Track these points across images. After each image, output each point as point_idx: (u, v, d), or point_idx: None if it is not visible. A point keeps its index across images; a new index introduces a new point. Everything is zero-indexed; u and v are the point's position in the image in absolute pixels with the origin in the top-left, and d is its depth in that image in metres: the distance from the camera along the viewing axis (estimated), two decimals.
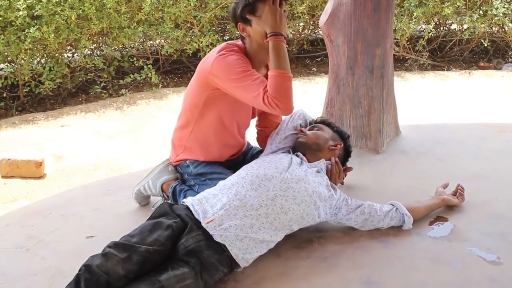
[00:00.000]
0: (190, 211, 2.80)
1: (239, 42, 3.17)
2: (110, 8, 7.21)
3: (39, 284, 2.78)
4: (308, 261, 2.92)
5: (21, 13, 6.52)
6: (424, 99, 7.50)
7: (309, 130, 3.37)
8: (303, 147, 3.27)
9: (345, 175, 3.53)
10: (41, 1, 6.62)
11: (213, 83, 3.05)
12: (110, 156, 5.74)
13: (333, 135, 3.41)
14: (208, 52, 3.43)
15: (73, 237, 3.23)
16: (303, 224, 2.97)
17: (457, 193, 3.47)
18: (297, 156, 3.19)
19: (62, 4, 6.82)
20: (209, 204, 2.82)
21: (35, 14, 6.73)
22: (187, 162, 3.34)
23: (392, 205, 3.18)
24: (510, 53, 9.59)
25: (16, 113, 6.99)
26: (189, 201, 2.87)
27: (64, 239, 3.22)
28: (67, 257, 3.00)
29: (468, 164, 4.09)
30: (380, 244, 3.05)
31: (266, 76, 3.20)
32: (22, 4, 6.55)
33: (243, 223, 2.74)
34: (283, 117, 3.49)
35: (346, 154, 3.46)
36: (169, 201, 3.33)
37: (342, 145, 3.40)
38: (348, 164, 3.50)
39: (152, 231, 2.63)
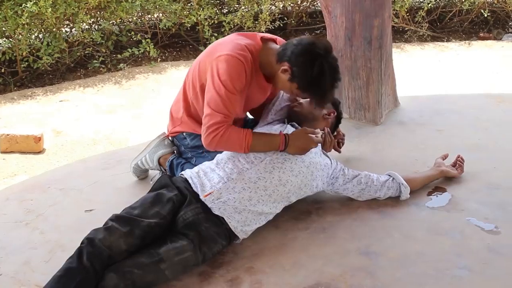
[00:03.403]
0: (189, 183, 2.81)
1: (255, 40, 3.02)
2: None
3: (38, 257, 2.80)
4: (307, 232, 2.93)
5: None
6: (424, 70, 7.47)
7: (303, 99, 3.34)
8: (298, 117, 3.25)
9: (343, 143, 3.53)
10: None
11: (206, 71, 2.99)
12: (109, 130, 5.74)
13: None
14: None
15: (72, 211, 3.25)
16: (301, 195, 2.98)
17: (457, 164, 3.47)
18: (293, 126, 3.17)
19: None
20: (207, 178, 2.83)
21: None
22: (184, 134, 3.32)
23: (389, 175, 3.19)
24: (510, 23, 9.52)
25: (15, 88, 6.96)
26: (187, 173, 2.88)
27: (63, 213, 3.23)
28: (66, 231, 3.02)
29: (467, 135, 4.09)
30: (378, 214, 3.07)
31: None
32: None
33: (241, 196, 2.75)
34: None
35: (337, 121, 3.45)
36: (168, 174, 3.34)
37: (335, 113, 3.39)
38: (347, 135, 3.50)
39: (154, 203, 2.64)
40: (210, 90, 2.90)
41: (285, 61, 2.86)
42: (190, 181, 2.82)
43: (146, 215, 2.58)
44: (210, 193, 2.74)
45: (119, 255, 2.45)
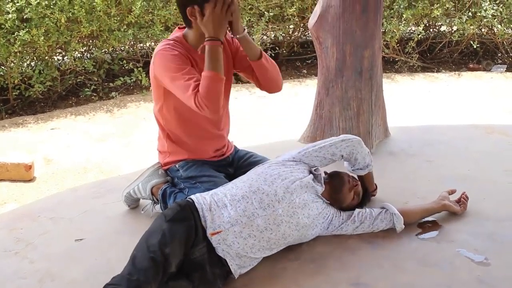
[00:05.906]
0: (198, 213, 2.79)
1: (178, 33, 3.17)
2: (100, 11, 7.20)
3: (28, 287, 2.78)
4: (297, 262, 2.92)
5: (10, 16, 6.50)
6: (414, 100, 7.52)
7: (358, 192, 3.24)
8: (340, 203, 3.15)
9: None
10: (31, 4, 6.61)
11: (158, 79, 3.08)
12: (100, 159, 5.73)
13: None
14: None
15: (62, 240, 3.23)
16: (296, 242, 3.02)
17: (461, 201, 3.43)
18: (314, 182, 3.07)
19: (51, 7, 6.81)
20: (216, 214, 2.79)
21: (24, 17, 6.71)
22: (177, 166, 3.34)
23: (383, 207, 3.19)
24: (499, 55, 9.63)
25: (6, 116, 6.97)
26: (200, 202, 2.83)
27: (53, 242, 3.21)
28: (56, 260, 3.00)
29: (456, 165, 4.11)
30: (369, 245, 3.07)
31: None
32: (11, 7, 6.55)
33: (245, 243, 2.76)
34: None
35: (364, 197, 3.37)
36: (159, 204, 3.33)
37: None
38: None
39: (181, 242, 2.62)
40: (169, 85, 3.01)
41: (188, 8, 2.98)
42: (200, 213, 2.78)
43: (175, 255, 2.56)
44: (218, 233, 2.74)
45: None
